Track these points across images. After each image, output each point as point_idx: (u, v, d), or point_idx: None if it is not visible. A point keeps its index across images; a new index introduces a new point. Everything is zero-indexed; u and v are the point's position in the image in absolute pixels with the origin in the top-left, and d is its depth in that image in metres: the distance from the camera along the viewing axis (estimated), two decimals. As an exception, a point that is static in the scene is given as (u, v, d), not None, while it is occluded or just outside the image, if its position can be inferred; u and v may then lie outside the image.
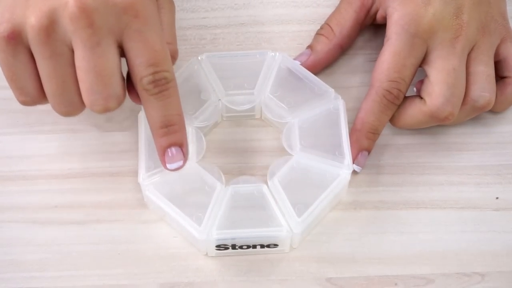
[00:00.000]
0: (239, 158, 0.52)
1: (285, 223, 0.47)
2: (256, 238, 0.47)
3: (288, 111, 0.51)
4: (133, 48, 0.43)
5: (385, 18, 0.52)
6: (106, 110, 0.43)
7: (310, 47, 0.54)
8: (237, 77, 0.52)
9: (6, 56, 0.43)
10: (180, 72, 0.52)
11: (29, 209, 0.50)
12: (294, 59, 0.53)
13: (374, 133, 0.51)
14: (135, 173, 0.49)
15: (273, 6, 0.58)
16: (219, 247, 0.48)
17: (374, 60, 0.51)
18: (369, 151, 0.51)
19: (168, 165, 0.46)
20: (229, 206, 0.48)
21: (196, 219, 0.47)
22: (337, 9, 0.55)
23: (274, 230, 0.47)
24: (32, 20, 0.41)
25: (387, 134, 0.53)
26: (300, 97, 0.51)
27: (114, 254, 0.49)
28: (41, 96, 0.44)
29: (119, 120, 0.53)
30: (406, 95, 0.51)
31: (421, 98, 0.50)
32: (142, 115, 0.49)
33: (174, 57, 0.48)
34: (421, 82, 0.51)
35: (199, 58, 0.52)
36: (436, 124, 0.51)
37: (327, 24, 0.54)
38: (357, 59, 0.56)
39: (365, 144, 0.50)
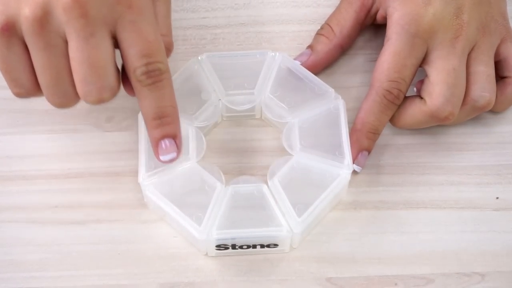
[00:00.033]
0: (239, 158, 0.52)
1: (285, 223, 0.47)
2: (256, 238, 0.47)
3: (288, 111, 0.51)
4: (126, 39, 0.43)
5: (385, 18, 0.52)
6: (100, 101, 0.43)
7: (310, 47, 0.54)
8: (237, 77, 0.52)
9: (0, 48, 0.43)
10: (180, 72, 0.52)
11: (29, 209, 0.50)
12: (295, 59, 0.53)
13: (374, 133, 0.51)
14: (135, 173, 0.49)
15: (273, 6, 0.58)
16: (219, 247, 0.48)
17: (374, 60, 0.51)
18: (369, 151, 0.51)
19: (161, 157, 0.45)
20: (229, 206, 0.48)
21: (196, 219, 0.47)
22: (337, 9, 0.55)
23: (274, 230, 0.47)
24: (26, 11, 0.41)
25: (387, 134, 0.53)
26: (300, 97, 0.51)
27: (114, 254, 0.49)
28: (35, 88, 0.44)
29: (119, 120, 0.53)
30: (406, 95, 0.51)
31: (421, 98, 0.50)
32: (142, 115, 0.49)
33: (169, 49, 0.47)
34: (421, 82, 0.51)
35: (199, 58, 0.52)
36: (436, 124, 0.51)
37: (327, 24, 0.54)
38: (357, 59, 0.56)
39: (365, 144, 0.50)
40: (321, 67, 0.54)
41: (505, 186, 0.51)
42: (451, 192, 0.51)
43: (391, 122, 0.52)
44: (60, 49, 0.42)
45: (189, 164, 0.49)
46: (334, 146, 0.49)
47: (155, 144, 0.45)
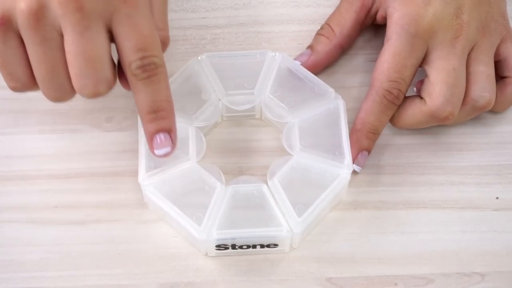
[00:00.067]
0: (239, 158, 0.52)
1: (285, 223, 0.47)
2: (256, 238, 0.47)
3: (288, 111, 0.51)
4: (122, 33, 0.43)
5: (385, 18, 0.52)
6: (95, 94, 0.43)
7: (310, 47, 0.54)
8: (237, 77, 0.52)
9: None
10: (180, 72, 0.52)
11: (29, 209, 0.50)
12: (295, 59, 0.53)
13: (374, 133, 0.51)
14: (135, 173, 0.49)
15: (273, 6, 0.58)
16: (219, 247, 0.48)
17: (374, 60, 0.51)
18: (369, 151, 0.51)
19: (156, 151, 0.45)
20: (229, 206, 0.48)
21: (196, 219, 0.47)
22: (338, 9, 0.55)
23: (274, 230, 0.47)
24: (21, 5, 0.41)
25: (387, 134, 0.53)
26: (300, 97, 0.51)
27: (114, 254, 0.49)
28: (31, 82, 0.44)
29: (119, 120, 0.53)
30: (406, 95, 0.51)
31: (421, 98, 0.50)
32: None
33: (165, 43, 0.47)
34: (421, 82, 0.51)
35: (199, 58, 0.52)
36: (436, 124, 0.51)
37: (327, 24, 0.54)
38: (357, 59, 0.56)
39: (365, 144, 0.50)
40: (321, 67, 0.54)
41: (505, 186, 0.51)
42: (451, 192, 0.51)
43: (391, 122, 0.52)
44: (55, 42, 0.42)
45: (189, 164, 0.49)
46: (334, 146, 0.49)
47: (150, 138, 0.45)
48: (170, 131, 0.45)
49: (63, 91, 0.44)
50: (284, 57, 0.52)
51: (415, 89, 0.52)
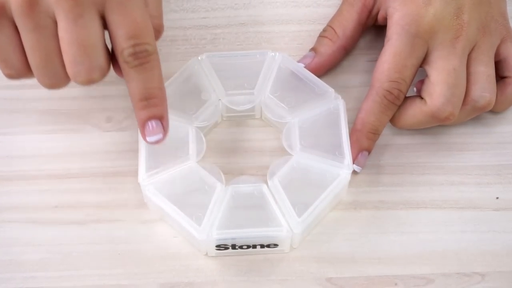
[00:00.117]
0: (239, 158, 0.52)
1: (285, 223, 0.47)
2: (256, 238, 0.47)
3: (288, 111, 0.51)
4: (114, 21, 0.43)
5: (386, 19, 0.52)
6: (89, 81, 0.43)
7: (313, 49, 0.54)
8: (237, 77, 0.52)
9: None
10: (180, 72, 0.52)
11: (29, 209, 0.50)
12: (298, 61, 0.53)
13: (375, 134, 0.51)
14: (135, 173, 0.49)
15: (273, 6, 0.58)
16: (219, 247, 0.48)
17: (374, 60, 0.51)
18: (369, 151, 0.51)
19: (147, 138, 0.45)
20: (229, 206, 0.48)
21: (196, 219, 0.47)
22: (339, 11, 0.55)
23: (274, 230, 0.47)
24: None
25: (387, 134, 0.53)
26: (300, 97, 0.51)
27: (114, 254, 0.49)
28: (26, 69, 0.44)
29: (119, 120, 0.53)
30: (407, 95, 0.51)
31: (422, 98, 0.50)
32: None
33: (159, 31, 0.47)
34: (421, 82, 0.51)
35: (199, 58, 0.52)
36: (437, 125, 0.51)
37: (329, 26, 0.54)
38: (357, 59, 0.56)
39: (365, 144, 0.50)
40: (325, 69, 0.54)
41: (505, 186, 0.51)
42: (451, 192, 0.51)
43: (392, 123, 0.52)
44: (49, 30, 0.42)
45: (189, 164, 0.49)
46: (334, 146, 0.49)
47: (142, 125, 0.45)
48: (162, 118, 0.45)
49: (57, 78, 0.44)
50: (284, 57, 0.52)
51: (415, 89, 0.52)
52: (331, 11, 0.55)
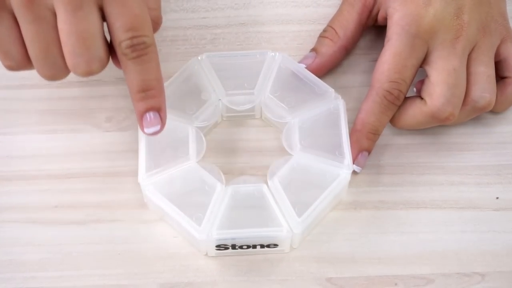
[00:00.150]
0: (239, 158, 0.52)
1: (285, 223, 0.47)
2: (256, 238, 0.47)
3: (288, 111, 0.51)
4: (112, 13, 0.43)
5: (386, 19, 0.52)
6: (89, 73, 0.43)
7: (314, 50, 0.54)
8: (237, 77, 0.52)
9: None
10: (180, 72, 0.52)
11: (29, 209, 0.50)
12: (299, 62, 0.53)
13: (375, 134, 0.51)
14: (135, 173, 0.49)
15: (273, 6, 0.58)
16: (219, 247, 0.48)
17: (374, 60, 0.51)
18: (369, 152, 0.51)
19: (145, 129, 0.45)
20: (229, 206, 0.48)
21: (196, 219, 0.47)
22: (339, 11, 0.55)
23: (274, 230, 0.47)
24: None
25: (387, 134, 0.53)
26: (300, 97, 0.51)
27: (114, 254, 0.49)
28: (26, 61, 0.44)
29: (119, 120, 0.53)
30: (407, 96, 0.51)
31: (422, 98, 0.50)
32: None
33: (157, 23, 0.47)
34: (421, 82, 0.51)
35: (199, 58, 0.52)
36: (437, 125, 0.51)
37: (330, 26, 0.54)
38: (357, 59, 0.56)
39: (365, 144, 0.50)
40: (326, 70, 0.54)
41: (505, 186, 0.51)
42: (451, 192, 0.51)
43: (392, 123, 0.52)
44: (49, 21, 0.42)
45: (189, 164, 0.49)
46: (334, 146, 0.49)
47: (140, 117, 0.45)
48: (159, 110, 0.45)
49: (57, 69, 0.44)
50: (284, 57, 0.52)
51: (415, 89, 0.52)
52: (331, 11, 0.55)
